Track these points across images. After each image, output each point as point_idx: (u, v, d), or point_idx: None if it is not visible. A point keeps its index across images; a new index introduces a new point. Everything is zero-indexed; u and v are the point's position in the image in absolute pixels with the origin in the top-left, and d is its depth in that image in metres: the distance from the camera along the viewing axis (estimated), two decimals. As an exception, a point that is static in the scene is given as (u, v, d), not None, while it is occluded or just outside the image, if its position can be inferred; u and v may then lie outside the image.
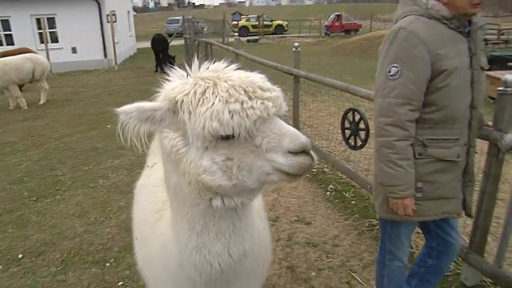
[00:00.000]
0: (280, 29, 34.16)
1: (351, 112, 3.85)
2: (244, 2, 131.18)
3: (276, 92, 1.18)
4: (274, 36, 31.90)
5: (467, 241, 2.89)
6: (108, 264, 3.34)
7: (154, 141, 2.45)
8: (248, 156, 1.14)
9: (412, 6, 1.94)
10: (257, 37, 27.54)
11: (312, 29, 34.28)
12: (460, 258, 2.96)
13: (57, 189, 4.82)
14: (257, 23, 31.99)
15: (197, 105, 1.12)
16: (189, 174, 1.17)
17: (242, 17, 31.81)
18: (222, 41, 19.02)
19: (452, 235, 2.29)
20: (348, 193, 4.48)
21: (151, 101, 1.28)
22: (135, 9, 34.82)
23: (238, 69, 1.26)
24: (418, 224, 2.33)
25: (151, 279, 1.64)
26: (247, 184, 1.16)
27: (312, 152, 1.13)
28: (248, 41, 26.05)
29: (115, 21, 16.55)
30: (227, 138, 1.12)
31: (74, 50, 17.00)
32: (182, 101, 1.16)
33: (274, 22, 34.50)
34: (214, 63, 1.26)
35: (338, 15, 33.61)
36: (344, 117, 3.95)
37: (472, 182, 2.13)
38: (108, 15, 16.34)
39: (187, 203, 1.26)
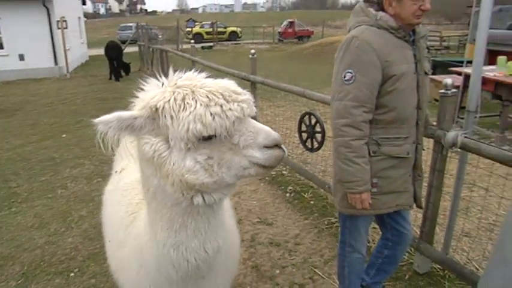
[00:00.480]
0: (234, 36, 34.45)
1: (307, 116, 4.00)
2: (197, 8, 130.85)
3: (247, 95, 1.29)
4: (228, 42, 32.10)
5: (418, 232, 3.13)
6: (72, 274, 3.30)
7: (120, 148, 2.48)
8: (227, 153, 1.24)
9: (363, 17, 2.13)
10: (211, 44, 27.60)
11: (265, 36, 34.81)
12: (412, 248, 3.20)
13: (13, 202, 4.66)
14: (211, 29, 32.05)
15: (179, 110, 1.21)
16: (172, 176, 1.25)
17: (196, 23, 31.72)
18: (176, 48, 18.91)
19: (405, 226, 2.49)
20: (306, 194, 4.66)
21: (125, 109, 1.34)
22: (85, 15, 33.79)
23: (207, 77, 1.36)
24: (374, 218, 2.53)
25: (126, 281, 1.69)
26: (226, 180, 1.27)
27: (282, 146, 1.26)
28: (202, 47, 26.05)
29: (66, 28, 16.03)
30: (208, 138, 1.22)
31: (21, 57, 16.15)
32: (163, 107, 1.23)
33: (228, 29, 34.75)
34: (175, 71, 1.34)
35: (291, 22, 34.42)
36: (301, 121, 4.10)
37: (420, 176, 2.35)
38: (58, 21, 15.77)
39: (167, 203, 1.33)
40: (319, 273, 3.23)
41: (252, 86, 5.64)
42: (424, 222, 2.99)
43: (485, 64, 3.02)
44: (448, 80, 2.65)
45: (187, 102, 1.21)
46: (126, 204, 1.72)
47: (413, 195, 2.36)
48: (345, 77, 2.05)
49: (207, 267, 1.46)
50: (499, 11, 9.11)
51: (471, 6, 15.06)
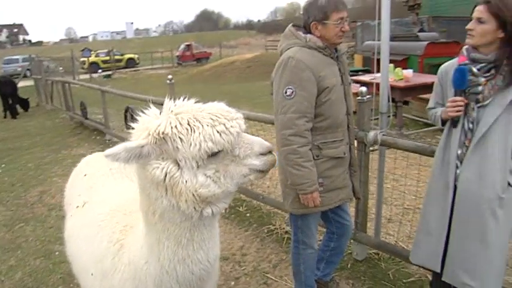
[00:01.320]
0: (131, 62, 33.69)
1: (129, 110, 4.62)
2: (87, 37, 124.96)
3: (239, 113, 1.47)
4: (126, 70, 31.30)
5: (353, 223, 3.51)
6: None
7: (70, 187, 2.46)
8: (230, 165, 1.41)
9: (294, 40, 2.43)
10: (110, 72, 26.68)
11: (164, 60, 34.61)
12: (350, 239, 3.57)
13: None
14: (108, 57, 30.99)
15: (187, 133, 1.34)
16: (186, 193, 1.36)
17: (92, 52, 30.41)
18: (72, 79, 17.99)
19: (346, 218, 2.83)
20: (241, 207, 4.86)
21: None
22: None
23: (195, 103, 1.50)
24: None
25: None
26: (230, 189, 1.43)
27: (273, 151, 1.47)
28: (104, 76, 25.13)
29: None
30: (214, 154, 1.37)
31: None
32: (172, 132, 1.36)
33: (124, 56, 33.90)
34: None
35: (188, 45, 34.69)
36: (125, 115, 4.75)
37: (356, 171, 2.71)
38: None
39: (177, 220, 1.43)
40: (272, 277, 3.43)
41: (173, 111, 5.72)
42: (357, 213, 3.38)
43: (375, 72, 3.55)
44: (362, 88, 3.08)
45: (194, 125, 1.35)
46: (109, 233, 1.76)
47: (352, 189, 2.70)
48: (286, 92, 2.32)
49: (207, 276, 1.59)
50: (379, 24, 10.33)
51: (355, 21, 16.85)
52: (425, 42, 9.77)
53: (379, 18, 3.01)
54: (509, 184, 2.20)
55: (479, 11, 2.14)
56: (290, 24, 2.55)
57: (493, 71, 2.18)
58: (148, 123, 1.42)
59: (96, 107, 11.31)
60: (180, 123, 1.37)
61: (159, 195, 1.41)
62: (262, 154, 1.45)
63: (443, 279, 2.46)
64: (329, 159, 2.49)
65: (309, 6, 2.42)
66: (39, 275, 3.71)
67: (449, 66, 2.38)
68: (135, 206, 1.81)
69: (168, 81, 5.64)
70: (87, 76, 24.44)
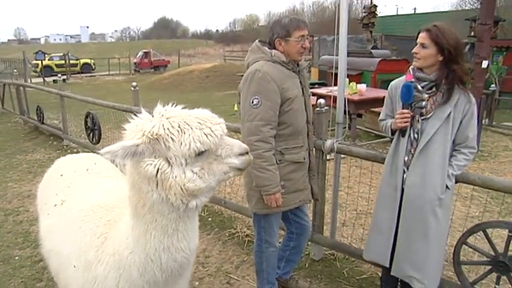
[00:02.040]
0: (87, 68, 32.73)
1: (89, 115, 5.49)
2: (38, 39, 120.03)
3: (221, 118, 1.67)
4: (81, 75, 30.46)
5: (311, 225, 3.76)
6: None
7: (44, 187, 2.52)
8: (213, 164, 1.60)
9: (261, 54, 2.66)
10: (65, 76, 25.85)
11: (121, 67, 33.98)
12: (308, 241, 3.81)
13: None
14: (63, 62, 29.95)
15: (178, 134, 1.52)
16: (174, 186, 1.53)
17: (46, 55, 29.30)
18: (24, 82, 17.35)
19: (305, 219, 3.07)
20: (203, 212, 4.99)
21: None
22: None
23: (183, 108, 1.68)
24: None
25: None
26: (212, 184, 1.62)
27: (249, 152, 1.69)
28: (54, 81, 24.25)
29: None
30: (200, 153, 1.55)
31: None
32: (164, 134, 1.53)
33: (80, 60, 32.95)
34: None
35: (146, 52, 34.32)
36: (85, 120, 6.11)
37: (314, 175, 2.96)
38: None
39: (165, 212, 1.59)
40: (234, 277, 3.61)
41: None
42: (315, 216, 3.63)
43: (331, 85, 3.82)
44: (321, 100, 3.35)
45: (184, 128, 1.54)
46: (92, 228, 1.88)
47: (311, 191, 2.95)
48: (252, 102, 2.54)
49: (187, 265, 1.75)
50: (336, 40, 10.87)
51: (312, 36, 17.49)
52: (378, 59, 10.41)
53: (337, 34, 3.30)
54: (447, 187, 2.53)
55: (422, 37, 2.48)
56: (257, 40, 2.78)
57: (434, 89, 2.52)
58: (142, 125, 1.57)
59: (51, 112, 11.05)
60: (172, 126, 1.54)
61: (149, 189, 1.57)
62: (241, 154, 1.66)
63: (391, 273, 2.75)
64: (290, 163, 2.72)
65: (274, 24, 2.68)
66: (-2, 280, 3.68)
67: (398, 83, 2.70)
68: (116, 202, 1.97)
69: (132, 88, 5.72)
70: (40, 80, 23.62)
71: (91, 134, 6.84)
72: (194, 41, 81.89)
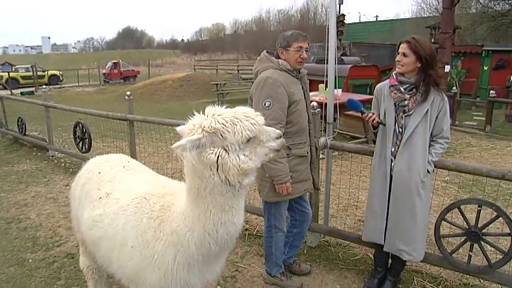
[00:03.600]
0: (55, 79, 32.10)
1: (79, 125, 5.86)
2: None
3: (258, 112, 2.04)
4: (50, 87, 29.89)
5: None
6: None
7: (82, 184, 2.82)
8: (257, 148, 1.98)
9: (269, 63, 3.09)
10: (32, 89, 25.35)
11: (89, 78, 33.53)
12: (305, 229, 4.24)
13: None
14: (30, 73, 29.28)
15: (231, 126, 1.90)
16: (232, 168, 1.90)
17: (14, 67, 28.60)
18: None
19: (306, 207, 3.50)
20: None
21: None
22: None
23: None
24: (285, 205, 3.45)
25: (161, 268, 2.13)
26: (258, 164, 2.00)
27: (282, 136, 2.08)
28: (22, 93, 23.78)
29: None
30: (249, 140, 1.92)
31: None
32: (220, 127, 1.89)
33: (47, 72, 32.29)
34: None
35: (115, 63, 34.04)
36: (74, 130, 6.41)
37: (315, 167, 3.40)
38: None
39: (223, 192, 1.94)
40: (242, 265, 3.98)
41: (130, 125, 6.09)
42: (311, 206, 4.06)
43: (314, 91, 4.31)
44: (314, 102, 3.80)
45: (235, 121, 1.91)
46: (148, 212, 2.21)
47: (312, 182, 3.38)
48: (265, 104, 2.95)
49: (234, 239, 2.12)
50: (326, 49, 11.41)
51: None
52: (349, 65, 11.05)
53: (327, 50, 3.77)
54: (427, 171, 3.02)
55: (403, 47, 2.98)
56: (264, 51, 3.21)
57: (414, 90, 3.02)
58: (200, 123, 1.94)
59: (30, 124, 11.03)
60: (225, 121, 1.92)
61: (211, 174, 1.93)
62: (277, 138, 2.05)
63: (384, 249, 3.21)
64: (296, 157, 3.15)
65: (279, 36, 3.13)
66: (17, 281, 3.87)
67: (383, 85, 3.19)
68: (164, 191, 2.33)
69: (126, 97, 6.02)
70: (6, 92, 23.08)
71: (80, 143, 7.05)
72: (160, 51, 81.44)
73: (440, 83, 3.06)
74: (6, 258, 4.35)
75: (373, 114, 3.14)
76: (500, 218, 3.03)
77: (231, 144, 1.92)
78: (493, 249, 3.26)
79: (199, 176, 1.96)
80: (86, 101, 20.36)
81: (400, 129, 3.07)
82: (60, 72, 33.69)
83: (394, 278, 3.42)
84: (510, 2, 23.46)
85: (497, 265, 3.11)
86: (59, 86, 30.94)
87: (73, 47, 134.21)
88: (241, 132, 1.90)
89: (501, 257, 3.09)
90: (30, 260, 4.24)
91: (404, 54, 2.99)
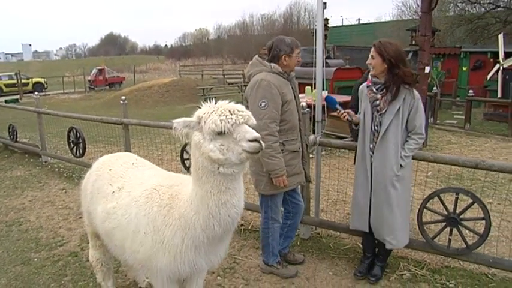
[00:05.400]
0: (39, 87, 31.73)
1: (73, 130, 6.02)
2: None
3: (246, 112, 2.22)
4: (36, 93, 29.58)
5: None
6: None
7: (94, 180, 3.03)
8: (231, 143, 2.14)
9: (261, 67, 3.36)
10: (17, 96, 25.13)
11: (74, 85, 33.36)
12: (298, 222, 4.50)
13: None
14: (13, 81, 28.96)
15: (207, 118, 2.14)
16: (204, 154, 2.14)
17: (-1, 75, 28.29)
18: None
19: (299, 199, 3.77)
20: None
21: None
22: None
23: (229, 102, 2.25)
24: (280, 198, 3.72)
25: (167, 254, 2.36)
26: (233, 159, 2.15)
27: (261, 141, 2.17)
28: (6, 101, 23.57)
29: None
30: (220, 133, 2.11)
31: None
32: (203, 116, 2.15)
33: (31, 79, 31.98)
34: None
35: (100, 70, 33.88)
36: (68, 135, 6.48)
37: (306, 162, 3.67)
38: None
39: (211, 172, 2.17)
40: (239, 258, 4.22)
41: (125, 128, 6.29)
42: (303, 199, 4.33)
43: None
44: (303, 103, 4.09)
45: (211, 113, 2.14)
46: (158, 201, 2.44)
47: (304, 175, 3.66)
48: (261, 104, 3.21)
49: (236, 222, 2.36)
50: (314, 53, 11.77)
51: (265, 48, 18.41)
52: (334, 68, 11.40)
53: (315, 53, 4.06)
54: (401, 166, 3.28)
55: (371, 51, 3.29)
56: (256, 55, 3.49)
57: (385, 90, 3.27)
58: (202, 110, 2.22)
59: (19, 131, 11.07)
60: (209, 112, 2.16)
61: (198, 155, 2.19)
62: (250, 140, 2.09)
63: (375, 236, 3.46)
64: (289, 152, 3.42)
65: (279, 43, 3.39)
66: (25, 278, 4.04)
67: (363, 87, 3.46)
68: (172, 182, 2.57)
69: (121, 102, 6.21)
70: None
71: (75, 148, 7.21)
72: (144, 56, 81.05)
73: (410, 81, 3.23)
74: (12, 258, 4.51)
75: (345, 112, 3.40)
76: (476, 204, 3.35)
77: (206, 132, 2.16)
78: (470, 233, 3.57)
79: (193, 155, 2.24)
80: (72, 108, 20.30)
81: (376, 127, 3.32)
82: (45, 80, 33.46)
83: (382, 264, 3.68)
84: (485, 5, 24.28)
85: (474, 246, 3.42)
86: (43, 93, 30.70)
87: (55, 54, 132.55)
88: (209, 124, 2.13)
89: (477, 239, 3.40)
90: (35, 259, 4.40)
91: (372, 57, 3.28)
